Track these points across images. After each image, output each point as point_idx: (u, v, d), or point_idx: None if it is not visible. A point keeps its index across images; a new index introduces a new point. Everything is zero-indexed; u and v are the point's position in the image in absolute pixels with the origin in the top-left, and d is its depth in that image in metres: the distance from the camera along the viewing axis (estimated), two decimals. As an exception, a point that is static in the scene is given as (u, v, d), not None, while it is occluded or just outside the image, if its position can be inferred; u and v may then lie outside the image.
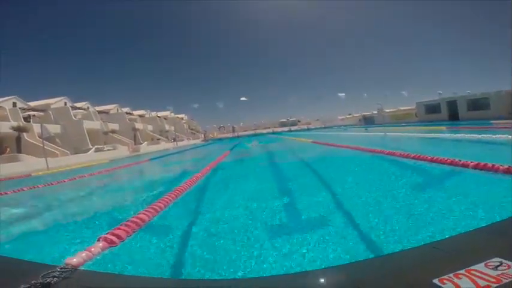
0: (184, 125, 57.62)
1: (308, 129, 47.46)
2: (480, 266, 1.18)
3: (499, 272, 1.12)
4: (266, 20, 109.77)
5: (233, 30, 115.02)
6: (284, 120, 61.85)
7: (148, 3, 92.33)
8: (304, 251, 2.20)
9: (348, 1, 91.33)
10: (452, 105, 25.30)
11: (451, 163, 4.74)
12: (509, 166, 3.78)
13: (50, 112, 29.37)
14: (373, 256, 1.98)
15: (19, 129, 22.62)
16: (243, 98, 50.15)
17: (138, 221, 2.67)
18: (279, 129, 53.56)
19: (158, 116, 50.82)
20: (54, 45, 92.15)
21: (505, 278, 1.07)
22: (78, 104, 35.64)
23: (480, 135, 9.20)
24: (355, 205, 3.41)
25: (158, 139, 42.00)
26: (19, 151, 21.88)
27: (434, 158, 5.22)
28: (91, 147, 26.81)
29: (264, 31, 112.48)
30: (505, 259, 1.20)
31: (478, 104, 22.89)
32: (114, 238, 2.20)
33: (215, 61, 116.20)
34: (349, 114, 57.09)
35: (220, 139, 48.71)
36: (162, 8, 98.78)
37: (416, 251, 1.56)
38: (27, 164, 17.86)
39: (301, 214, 3.37)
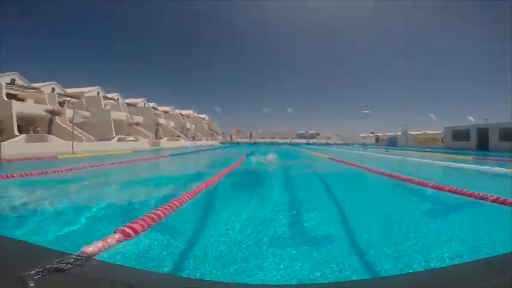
0: (205, 125, 58.66)
1: (327, 144, 46.67)
2: None
3: None
4: (293, 32, 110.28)
5: (262, 41, 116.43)
6: (303, 132, 61.37)
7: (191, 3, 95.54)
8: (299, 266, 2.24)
9: (378, 14, 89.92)
10: (483, 132, 23.66)
11: (470, 195, 4.57)
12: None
13: (83, 100, 31.12)
14: (368, 277, 2.00)
15: (53, 113, 24.10)
16: (264, 109, 50.28)
17: (154, 216, 2.81)
18: (297, 141, 53.18)
19: (181, 114, 52.10)
20: (97, 38, 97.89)
21: None
22: (109, 95, 37.60)
23: (509, 170, 8.73)
24: (361, 229, 3.39)
25: (178, 136, 43.05)
26: (49, 132, 23.26)
27: (453, 188, 5.05)
28: (115, 136, 28.00)
29: (290, 43, 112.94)
30: None
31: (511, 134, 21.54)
32: (130, 231, 2.33)
33: (241, 67, 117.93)
34: (372, 133, 55.62)
35: (238, 143, 49.15)
36: (207, 9, 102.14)
37: (412, 276, 1.59)
38: (54, 145, 18.95)
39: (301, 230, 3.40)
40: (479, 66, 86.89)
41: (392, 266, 2.29)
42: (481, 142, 23.54)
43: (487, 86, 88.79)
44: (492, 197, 4.15)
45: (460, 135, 26.50)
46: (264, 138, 58.19)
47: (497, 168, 9.28)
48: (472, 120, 28.20)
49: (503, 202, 3.94)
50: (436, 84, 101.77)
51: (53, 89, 30.55)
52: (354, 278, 2.06)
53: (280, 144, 46.84)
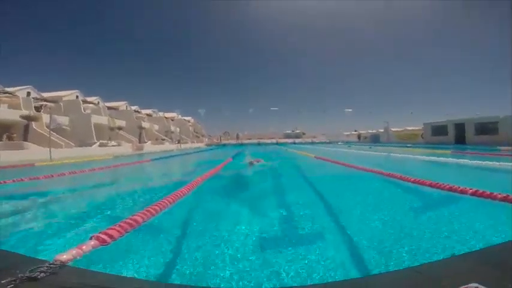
0: (190, 127, 57.94)
1: (312, 143, 47.44)
2: None
3: None
4: (277, 31, 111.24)
5: (244, 40, 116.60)
6: (289, 131, 62.00)
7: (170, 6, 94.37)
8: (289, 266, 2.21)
9: (360, 15, 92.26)
10: (459, 127, 24.66)
11: (450, 189, 4.71)
12: (507, 194, 3.76)
13: (61, 104, 29.90)
14: (356, 276, 2.00)
15: (28, 118, 23.01)
16: (250, 109, 50.75)
17: (131, 222, 2.71)
18: (283, 140, 53.79)
19: (165, 117, 51.22)
20: (71, 40, 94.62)
21: None
22: (89, 98, 36.40)
23: (484, 162, 9.14)
24: (347, 224, 3.42)
25: (163, 139, 42.25)
26: (25, 139, 22.20)
27: (433, 183, 5.20)
28: (96, 141, 27.09)
29: (274, 42, 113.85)
30: (482, 285, 1.23)
31: (486, 128, 22.26)
32: (106, 237, 2.23)
33: (224, 69, 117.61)
34: (355, 131, 56.96)
35: (224, 145, 48.91)
36: (183, 12, 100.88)
37: (399, 274, 1.58)
38: (31, 153, 18.09)
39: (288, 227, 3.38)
40: (460, 63, 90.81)
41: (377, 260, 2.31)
42: (458, 136, 24.50)
43: (467, 82, 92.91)
44: (471, 190, 4.30)
45: (438, 130, 27.42)
46: (251, 139, 58.41)
47: (475, 161, 9.71)
48: (450, 115, 29.49)
49: (482, 195, 4.09)
50: (416, 81, 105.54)
51: (29, 93, 29.26)
52: (339, 274, 2.06)
53: (267, 144, 47.13)
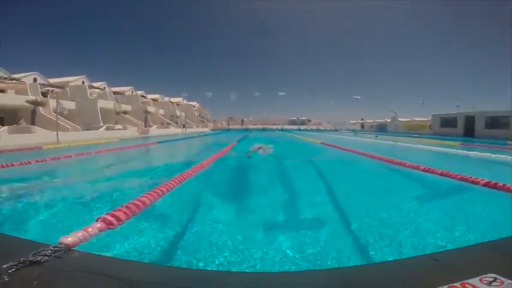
0: (195, 112, 57.87)
1: (318, 130, 47.05)
2: (475, 281, 1.19)
3: None
4: (285, 19, 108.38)
5: (253, 26, 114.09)
6: (294, 118, 61.48)
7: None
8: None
9: (371, 5, 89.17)
10: (469, 120, 24.15)
11: (461, 179, 4.60)
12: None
13: (68, 89, 30.12)
14: (370, 262, 1.95)
15: (35, 103, 23.25)
16: (256, 93, 50.22)
17: (139, 203, 2.67)
18: (288, 127, 53.47)
19: (171, 102, 51.22)
20: (79, 26, 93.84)
21: None
22: (95, 84, 36.54)
23: (495, 155, 8.92)
24: (352, 210, 3.36)
25: (168, 124, 42.45)
26: (33, 123, 22.45)
27: (444, 172, 5.08)
28: (102, 125, 27.31)
29: (282, 28, 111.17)
30: (500, 275, 1.20)
31: (497, 122, 21.72)
32: (113, 219, 2.20)
33: (232, 54, 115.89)
34: (362, 119, 56.16)
35: (228, 129, 48.92)
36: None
37: (415, 261, 1.55)
38: (39, 136, 18.28)
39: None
40: (468, 57, 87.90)
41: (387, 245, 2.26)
42: (467, 129, 24.08)
43: (476, 75, 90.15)
44: (483, 181, 4.20)
45: (447, 122, 27.06)
46: (255, 124, 58.34)
47: (487, 154, 9.47)
48: (460, 107, 28.89)
49: (494, 186, 3.99)
50: (425, 73, 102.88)
51: (35, 80, 29.45)
52: (350, 257, 2.02)
53: (272, 130, 47.00)
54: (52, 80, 32.76)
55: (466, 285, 1.16)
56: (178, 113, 49.06)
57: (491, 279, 1.19)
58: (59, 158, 8.54)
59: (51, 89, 29.48)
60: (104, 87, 37.31)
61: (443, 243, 2.21)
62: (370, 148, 12.91)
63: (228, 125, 55.63)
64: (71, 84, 32.42)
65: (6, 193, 4.41)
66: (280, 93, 49.37)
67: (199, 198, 4.20)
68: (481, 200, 3.94)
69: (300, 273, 1.50)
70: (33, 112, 23.55)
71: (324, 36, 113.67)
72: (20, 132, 18.52)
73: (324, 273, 1.50)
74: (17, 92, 24.91)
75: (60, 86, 30.57)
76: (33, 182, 5.60)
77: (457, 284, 1.16)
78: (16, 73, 28.08)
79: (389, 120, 41.32)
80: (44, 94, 27.07)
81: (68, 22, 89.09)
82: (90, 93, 31.37)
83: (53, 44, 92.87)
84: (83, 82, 35.16)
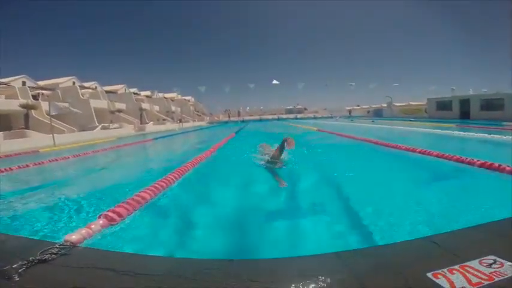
0: (191, 107, 57.61)
1: (314, 118, 47.12)
2: (474, 263, 1.19)
3: (492, 270, 1.13)
4: (277, 5, 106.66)
5: (243, 15, 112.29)
6: (291, 107, 61.42)
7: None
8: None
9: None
10: (464, 103, 24.45)
11: (457, 160, 4.66)
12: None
13: (58, 91, 29.76)
14: (369, 245, 1.99)
15: (27, 107, 22.98)
16: (250, 84, 50.15)
17: (139, 199, 2.70)
18: (285, 116, 53.54)
19: (165, 97, 50.92)
20: (66, 26, 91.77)
21: (496, 276, 1.08)
22: (86, 84, 36.21)
23: (490, 135, 9.02)
24: (349, 194, 3.42)
25: (164, 120, 42.29)
26: (27, 127, 22.24)
27: (440, 153, 5.15)
28: (97, 125, 27.12)
29: (274, 17, 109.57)
30: (500, 257, 1.21)
31: (492, 104, 22.00)
32: (114, 216, 2.23)
33: (225, 45, 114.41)
34: (358, 106, 56.20)
35: (226, 122, 48.84)
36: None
37: (414, 243, 1.56)
38: (35, 140, 18.11)
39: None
40: (463, 41, 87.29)
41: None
42: (463, 112, 24.32)
43: (470, 58, 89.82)
44: (479, 162, 4.25)
45: (443, 105, 27.29)
46: (252, 115, 58.38)
47: (483, 134, 9.56)
48: (455, 90, 29.01)
49: (490, 167, 4.04)
50: (420, 56, 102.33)
51: (24, 83, 29.06)
52: (352, 241, 2.07)
53: (269, 120, 47.05)
54: (41, 83, 32.38)
55: (466, 268, 1.16)
56: (173, 108, 48.81)
57: (491, 261, 1.20)
58: (57, 160, 8.52)
59: (41, 91, 29.17)
60: (96, 87, 36.96)
61: (439, 225, 2.25)
62: (365, 133, 13.00)
63: (229, 117, 55.33)
64: (61, 85, 32.09)
65: (8, 197, 4.42)
66: (274, 82, 49.32)
67: (199, 189, 4.23)
68: (478, 181, 3.97)
69: (297, 259, 1.52)
70: (26, 116, 23.26)
71: (318, 24, 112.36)
72: (16, 137, 18.34)
73: (322, 257, 1.52)
74: (7, 97, 24.59)
75: (51, 88, 30.27)
76: (33, 184, 5.60)
77: (457, 267, 1.17)
78: (3, 77, 27.63)
79: (385, 105, 41.40)
80: (35, 97, 26.77)
81: (53, 22, 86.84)
82: (82, 94, 31.00)
83: (39, 45, 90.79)
84: (74, 83, 34.78)
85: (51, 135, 17.05)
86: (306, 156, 6.59)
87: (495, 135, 9.06)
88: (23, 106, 22.73)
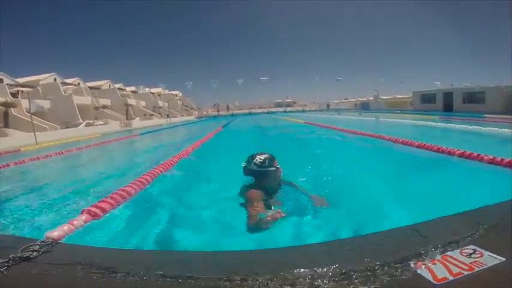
0: (178, 101, 56.80)
1: (303, 111, 47.56)
2: (455, 253, 1.20)
3: (472, 260, 1.14)
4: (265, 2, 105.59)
5: (232, 10, 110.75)
6: (280, 101, 61.67)
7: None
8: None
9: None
10: (448, 96, 25.34)
11: (438, 150, 4.81)
12: (494, 157, 3.84)
13: (39, 88, 28.76)
14: (352, 236, 2.02)
15: (6, 105, 22.15)
16: (239, 80, 50.00)
17: (123, 193, 2.66)
18: (274, 109, 53.92)
19: (152, 92, 50.02)
20: (48, 20, 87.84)
21: (476, 266, 1.09)
22: (68, 80, 35.11)
23: (471, 127, 9.35)
24: (336, 183, 3.47)
25: (151, 115, 41.66)
26: (6, 126, 21.46)
27: (421, 144, 5.29)
28: (81, 121, 26.41)
29: (264, 11, 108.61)
30: (480, 247, 1.22)
31: (474, 97, 22.85)
32: (98, 211, 2.19)
33: (213, 40, 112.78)
34: (345, 99, 57.01)
35: (214, 117, 48.56)
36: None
37: (395, 232, 1.55)
38: (16, 139, 17.47)
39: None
40: (448, 36, 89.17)
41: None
42: (446, 104, 25.17)
43: (453, 53, 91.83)
44: (459, 151, 4.38)
45: (427, 98, 28.16)
46: (242, 109, 58.38)
47: (461, 125, 9.91)
48: (439, 84, 30.00)
49: (469, 156, 4.17)
50: (405, 51, 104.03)
51: (1, 80, 27.83)
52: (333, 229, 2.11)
53: (258, 113, 47.26)
54: (20, 80, 31.15)
55: (447, 258, 1.17)
56: (160, 103, 48.04)
57: (471, 251, 1.21)
58: (38, 158, 8.25)
59: (20, 89, 28.14)
60: (79, 83, 35.87)
61: (419, 213, 2.28)
62: (350, 124, 13.25)
63: (218, 111, 54.92)
64: (41, 82, 31.04)
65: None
66: (262, 78, 49.36)
67: (185, 182, 4.18)
68: (457, 170, 4.06)
69: (281, 250, 1.53)
70: (6, 114, 22.43)
71: (307, 19, 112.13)
72: (-6, 136, 17.65)
73: (305, 248, 1.53)
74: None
75: (31, 85, 29.24)
76: (14, 183, 5.41)
77: (438, 257, 1.18)
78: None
79: (371, 98, 42.12)
80: (14, 95, 25.86)
81: (32, 16, 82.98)
82: (64, 90, 30.05)
83: (17, 41, 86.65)
84: (55, 79, 33.58)
85: (33, 133, 16.48)
86: (290, 148, 6.66)
87: (476, 127, 9.39)
88: (1, 104, 21.92)
